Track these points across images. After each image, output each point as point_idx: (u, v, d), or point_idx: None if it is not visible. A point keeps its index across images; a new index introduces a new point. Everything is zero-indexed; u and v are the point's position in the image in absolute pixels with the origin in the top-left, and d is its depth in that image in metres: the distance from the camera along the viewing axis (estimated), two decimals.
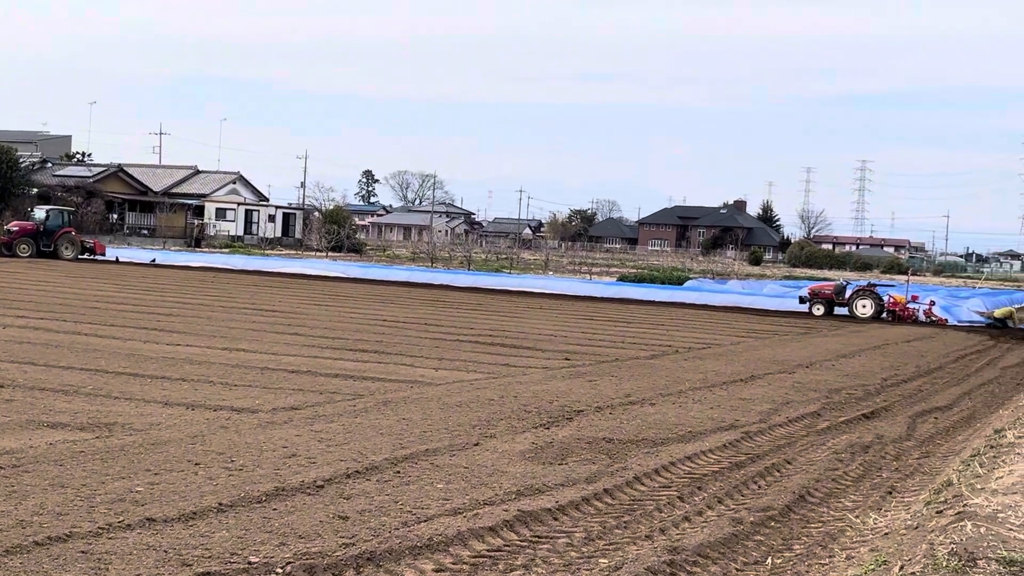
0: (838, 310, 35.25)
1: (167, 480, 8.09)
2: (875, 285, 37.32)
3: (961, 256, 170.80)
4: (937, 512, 7.60)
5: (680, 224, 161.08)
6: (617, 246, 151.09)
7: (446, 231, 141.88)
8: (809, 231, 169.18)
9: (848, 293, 35.57)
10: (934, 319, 34.35)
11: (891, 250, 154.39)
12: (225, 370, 14.20)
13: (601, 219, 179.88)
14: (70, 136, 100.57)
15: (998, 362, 22.29)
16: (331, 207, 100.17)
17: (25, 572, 6.00)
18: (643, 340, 22.46)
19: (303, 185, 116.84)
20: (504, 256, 78.45)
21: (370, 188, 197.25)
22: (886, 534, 7.63)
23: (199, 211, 78.01)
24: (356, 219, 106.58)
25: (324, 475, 8.48)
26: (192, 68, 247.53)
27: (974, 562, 6.00)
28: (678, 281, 50.34)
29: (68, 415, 10.49)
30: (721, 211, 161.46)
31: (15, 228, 46.84)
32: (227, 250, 64.26)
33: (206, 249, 65.68)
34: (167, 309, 23.65)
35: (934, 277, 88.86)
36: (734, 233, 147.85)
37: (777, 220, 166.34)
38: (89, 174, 73.81)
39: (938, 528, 6.95)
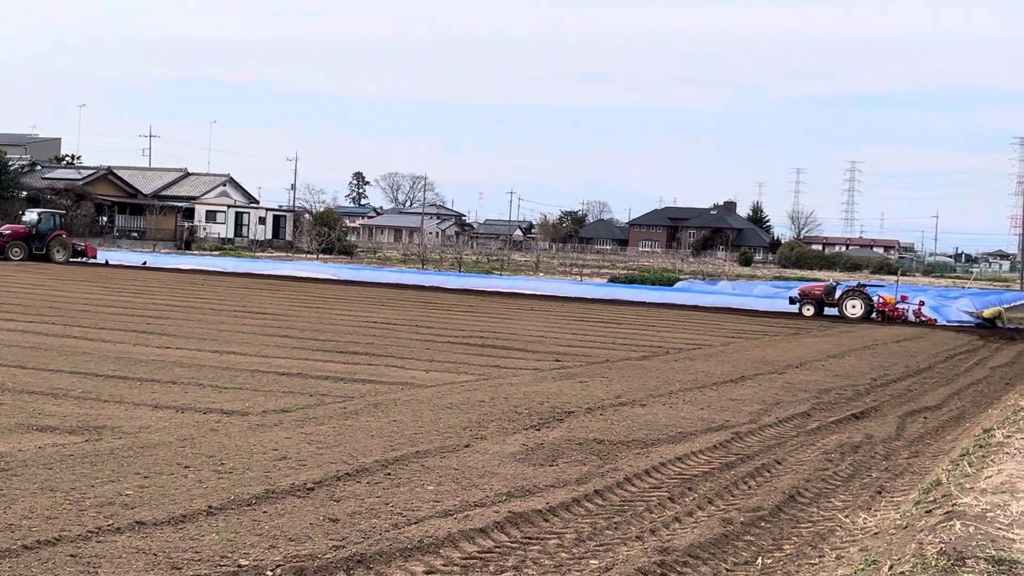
0: (828, 310, 35.31)
1: (157, 483, 8.07)
2: (865, 285, 37.39)
3: (950, 256, 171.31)
4: (926, 512, 7.62)
5: (670, 225, 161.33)
6: (608, 247, 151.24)
7: (437, 233, 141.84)
8: (799, 232, 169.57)
9: (838, 293, 35.63)
10: (923, 319, 34.43)
11: (880, 250, 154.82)
12: (215, 373, 14.18)
13: (592, 220, 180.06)
14: (59, 139, 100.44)
15: (987, 362, 22.35)
16: (322, 209, 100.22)
17: None
18: (634, 341, 22.48)
19: (293, 187, 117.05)
20: (495, 258, 78.44)
21: (361, 190, 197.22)
22: (875, 534, 7.65)
23: (189, 213, 77.88)
24: (347, 221, 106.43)
25: (314, 477, 8.47)
26: (182, 70, 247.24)
27: (963, 561, 6.02)
28: (668, 282, 50.39)
29: (57, 418, 10.46)
30: (711, 212, 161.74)
31: (7, 231, 46.73)
32: (217, 252, 64.15)
33: (196, 251, 65.57)
34: (157, 312, 23.60)
35: (923, 277, 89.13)
36: (724, 234, 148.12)
37: (767, 221, 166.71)
38: (78, 177, 73.66)
39: (927, 527, 6.97)
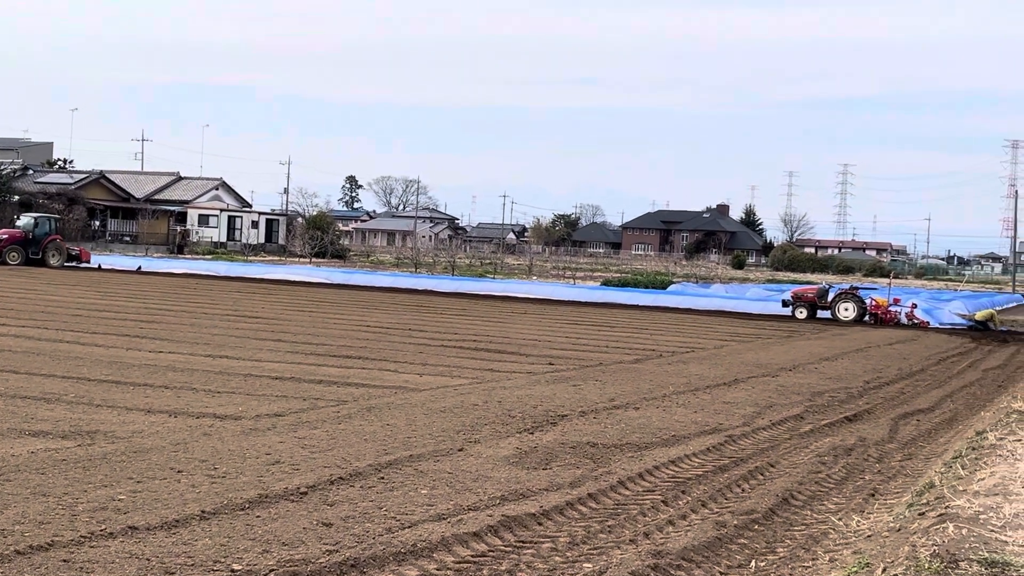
0: (821, 313, 35.34)
1: (150, 488, 8.05)
2: (857, 288, 37.48)
3: (942, 259, 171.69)
4: (919, 514, 7.63)
5: (663, 228, 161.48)
6: (601, 251, 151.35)
7: (430, 236, 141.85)
8: (792, 235, 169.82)
9: (831, 296, 35.67)
10: (916, 322, 34.49)
11: (873, 253, 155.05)
12: (208, 377, 14.16)
13: (585, 224, 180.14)
14: (51, 143, 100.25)
15: (980, 364, 22.40)
16: (314, 213, 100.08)
17: None
18: (627, 344, 22.49)
19: (286, 191, 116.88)
20: (488, 261, 78.44)
21: (354, 194, 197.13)
22: (869, 536, 7.66)
23: (182, 217, 77.80)
24: (339, 225, 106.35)
25: (308, 482, 8.46)
26: (174, 74, 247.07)
27: (956, 564, 6.03)
28: (662, 285, 50.43)
29: (50, 423, 10.43)
30: (704, 215, 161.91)
31: (4, 236, 46.69)
32: (210, 256, 64.06)
33: (189, 256, 65.49)
34: (150, 316, 23.56)
35: (916, 280, 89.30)
36: (717, 237, 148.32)
37: (760, 224, 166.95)
38: (71, 181, 73.56)
39: (920, 530, 6.98)
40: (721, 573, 6.88)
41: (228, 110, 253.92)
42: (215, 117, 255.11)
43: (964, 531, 6.73)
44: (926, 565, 6.02)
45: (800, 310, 35.33)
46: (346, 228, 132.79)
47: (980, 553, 6.21)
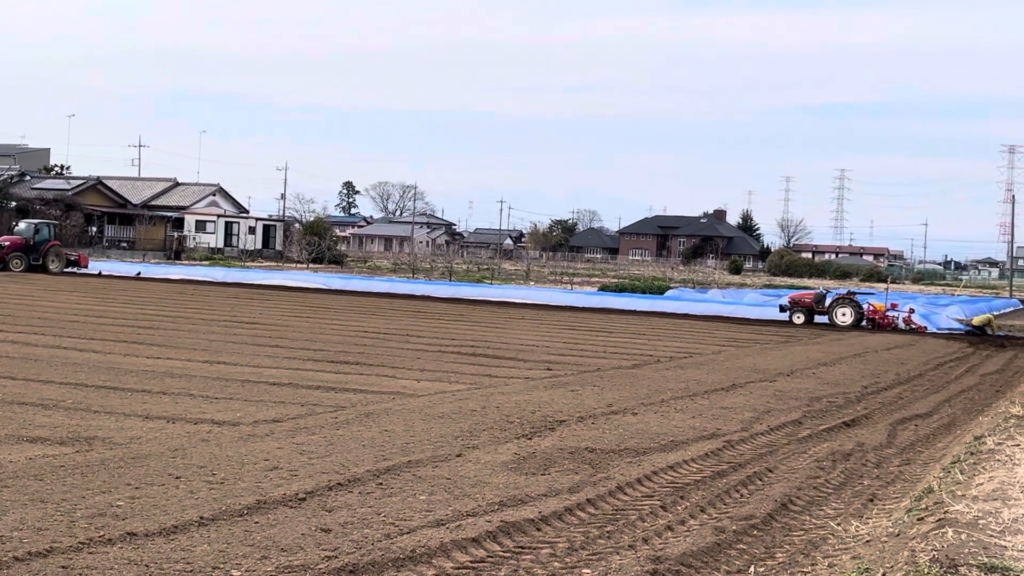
0: (818, 318, 35.35)
1: (148, 494, 8.04)
2: (855, 293, 37.47)
3: (940, 264, 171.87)
4: (918, 519, 7.63)
5: (661, 234, 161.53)
6: (598, 256, 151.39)
7: (427, 242, 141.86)
8: (789, 240, 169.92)
9: (828, 301, 35.68)
10: (913, 327, 34.52)
11: (870, 258, 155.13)
12: (206, 383, 14.15)
13: (582, 229, 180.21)
14: (48, 149, 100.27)
15: (977, 369, 22.41)
16: (312, 219, 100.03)
17: None
18: (625, 350, 22.49)
19: (283, 197, 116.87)
20: (485, 267, 78.43)
21: (351, 199, 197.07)
22: (868, 542, 7.66)
23: (179, 223, 77.78)
24: (337, 230, 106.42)
25: (306, 488, 8.45)
26: (171, 80, 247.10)
27: (955, 569, 6.03)
28: (659, 290, 50.42)
29: (48, 429, 10.42)
30: (701, 220, 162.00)
31: (6, 243, 46.74)
32: (207, 262, 64.03)
33: (186, 261, 65.46)
34: (147, 322, 23.54)
35: (913, 285, 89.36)
36: (714, 242, 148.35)
37: (757, 229, 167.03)
38: (68, 187, 73.54)
39: (919, 535, 6.98)
40: None
41: (225, 116, 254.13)
42: (212, 123, 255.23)
43: (963, 536, 6.73)
44: (925, 570, 6.02)
45: (797, 315, 35.33)
46: (343, 234, 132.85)
47: (979, 558, 6.21)
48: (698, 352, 22.87)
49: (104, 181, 78.19)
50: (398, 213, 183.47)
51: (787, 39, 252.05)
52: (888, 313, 34.89)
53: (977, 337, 32.84)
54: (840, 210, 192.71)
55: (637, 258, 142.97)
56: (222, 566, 6.49)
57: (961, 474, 9.25)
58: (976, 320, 35.17)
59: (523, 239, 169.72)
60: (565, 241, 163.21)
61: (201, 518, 7.43)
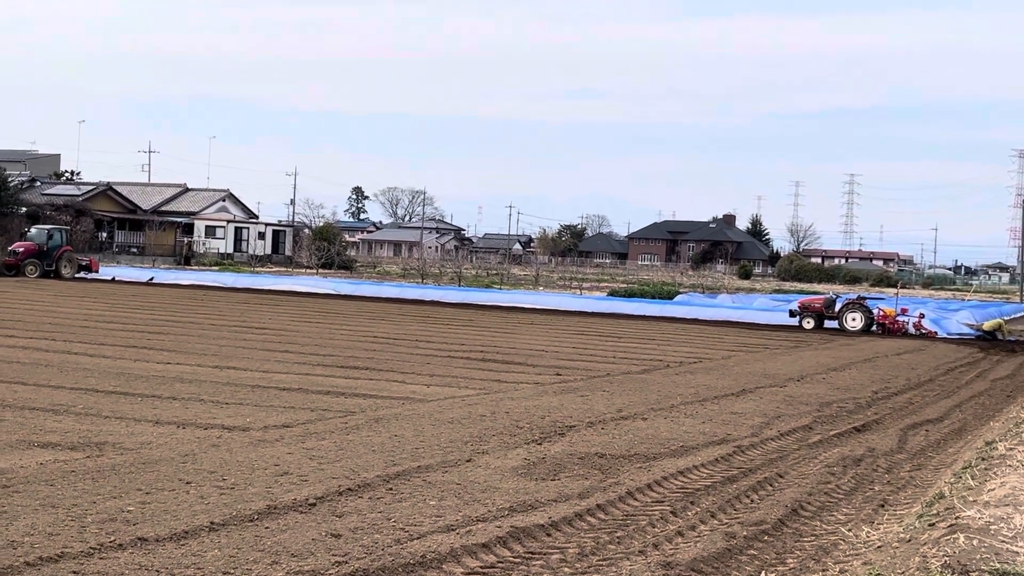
0: (828, 323, 35.29)
1: (158, 499, 8.06)
2: (865, 298, 37.39)
3: (950, 268, 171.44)
4: (930, 525, 7.61)
5: (670, 239, 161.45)
6: (607, 261, 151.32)
7: (436, 247, 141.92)
8: (798, 245, 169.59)
9: (838, 306, 35.62)
10: (924, 332, 34.42)
11: (880, 263, 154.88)
12: (216, 388, 14.17)
13: (591, 234, 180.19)
14: (59, 155, 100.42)
15: (988, 374, 22.34)
16: (321, 224, 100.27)
17: None
18: (634, 355, 22.47)
19: (293, 202, 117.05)
20: (494, 272, 78.45)
21: (360, 205, 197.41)
22: (879, 547, 7.63)
23: (188, 229, 77.93)
24: (346, 236, 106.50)
25: (316, 493, 8.46)
26: (181, 86, 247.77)
27: (967, 575, 6.01)
28: (668, 296, 50.37)
29: (58, 434, 10.45)
30: (711, 225, 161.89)
31: (20, 249, 46.90)
32: (217, 268, 64.14)
33: (196, 267, 65.58)
34: (157, 327, 23.59)
35: (923, 290, 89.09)
36: (723, 247, 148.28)
37: (766, 234, 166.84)
38: (78, 192, 73.74)
39: (931, 541, 6.96)
40: None
41: (235, 121, 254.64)
42: (222, 129, 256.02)
43: (975, 542, 6.71)
44: None
45: (807, 320, 35.27)
46: (352, 239, 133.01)
47: (991, 564, 6.19)
48: (708, 357, 22.84)
49: (114, 187, 78.39)
50: (407, 218, 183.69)
51: (797, 43, 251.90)
52: (898, 318, 34.80)
53: (988, 342, 32.73)
54: (850, 215, 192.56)
55: (646, 263, 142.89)
56: (232, 571, 6.50)
57: (972, 480, 9.22)
58: (987, 325, 35.05)
59: (532, 244, 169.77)
60: (574, 246, 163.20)
61: (212, 523, 7.44)
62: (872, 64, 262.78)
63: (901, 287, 55.52)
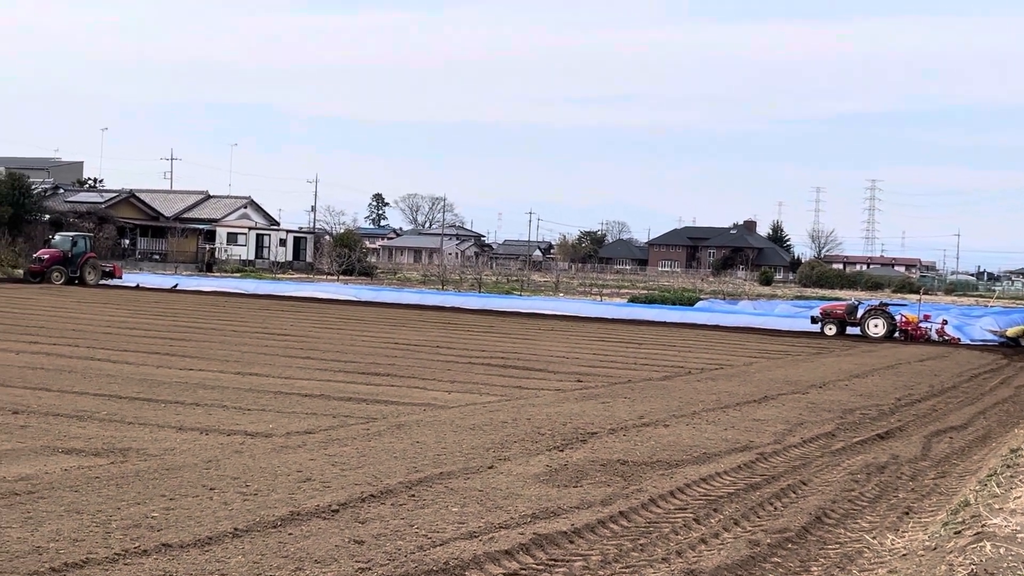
0: (850, 330, 35.15)
1: (182, 505, 8.09)
2: (887, 304, 37.22)
3: (972, 275, 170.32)
4: (955, 533, 7.56)
5: (690, 245, 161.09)
6: (627, 267, 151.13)
7: (456, 253, 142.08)
8: (820, 251, 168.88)
9: (860, 313, 35.47)
10: (946, 338, 34.23)
11: (902, 269, 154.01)
12: (238, 394, 14.22)
13: (611, 240, 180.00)
14: (82, 162, 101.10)
15: (1012, 381, 22.19)
16: (342, 231, 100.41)
17: None
18: (655, 361, 22.42)
19: (314, 209, 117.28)
20: (514, 278, 78.48)
21: (380, 211, 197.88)
22: (904, 555, 7.59)
23: (210, 236, 78.25)
24: (367, 242, 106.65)
25: (339, 499, 8.47)
26: (203, 94, 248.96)
27: None
28: (689, 302, 50.25)
29: (83, 440, 10.50)
30: (731, 232, 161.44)
31: (46, 256, 47.23)
32: (238, 274, 64.38)
33: (217, 274, 65.84)
34: (180, 334, 23.69)
35: (946, 296, 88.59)
36: (744, 253, 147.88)
37: (787, 240, 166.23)
38: (101, 200, 74.12)
39: (957, 549, 6.92)
40: None
41: (256, 129, 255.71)
42: (243, 136, 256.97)
43: (1002, 550, 6.66)
44: None
45: (829, 327, 35.14)
46: (373, 246, 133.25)
47: (1018, 572, 6.14)
48: (729, 364, 22.78)
49: (137, 194, 78.78)
50: (427, 225, 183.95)
51: (817, 49, 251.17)
52: (921, 324, 34.63)
53: (1011, 348, 32.53)
54: (871, 221, 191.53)
55: (667, 269, 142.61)
56: None
57: (998, 487, 9.15)
58: (1010, 331, 34.82)
59: (552, 250, 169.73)
60: (594, 252, 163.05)
61: (235, 529, 7.46)
62: (893, 70, 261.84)
63: (923, 293, 55.19)
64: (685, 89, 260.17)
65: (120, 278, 48.92)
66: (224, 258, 75.44)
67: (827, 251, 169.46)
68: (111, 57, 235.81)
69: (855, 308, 36.11)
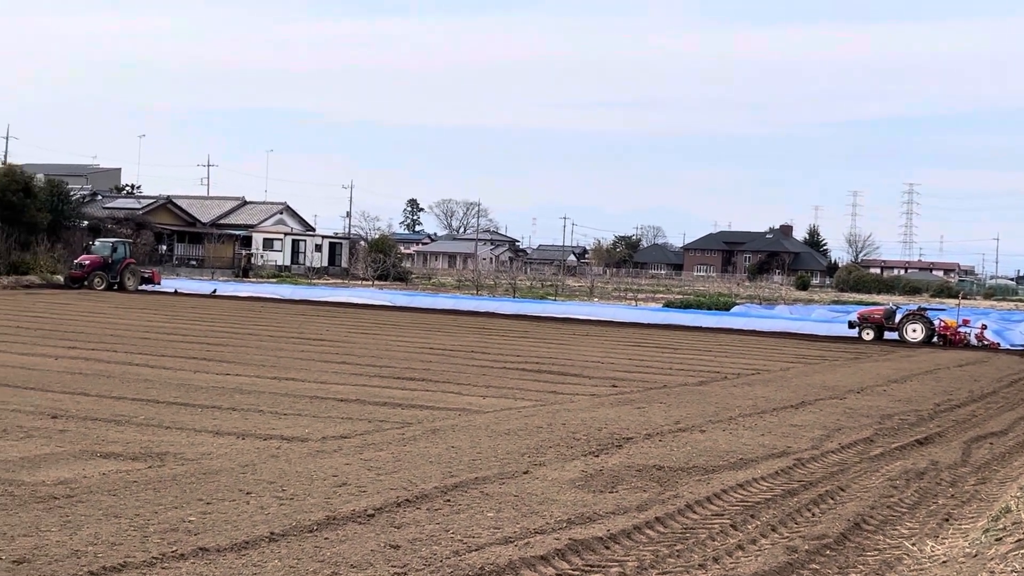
0: (888, 335, 34.86)
1: (219, 509, 8.12)
2: (925, 309, 36.90)
3: (1012, 279, 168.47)
4: (996, 540, 7.46)
5: (726, 249, 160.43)
6: (662, 272, 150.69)
7: (491, 259, 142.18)
8: (856, 255, 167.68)
9: (898, 317, 35.18)
10: (986, 343, 33.87)
11: (940, 273, 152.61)
12: (275, 399, 14.28)
13: (646, 245, 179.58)
14: (120, 169, 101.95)
15: None
16: (377, 236, 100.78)
17: None
18: (691, 366, 22.32)
19: (349, 214, 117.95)
20: (549, 283, 78.40)
21: (415, 217, 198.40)
22: (944, 562, 7.50)
23: (247, 241, 78.73)
24: (401, 248, 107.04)
25: (375, 504, 8.48)
26: (239, 100, 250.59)
27: None
28: (725, 307, 50.02)
29: (121, 445, 10.58)
30: (767, 236, 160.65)
31: (87, 262, 47.72)
32: (274, 280, 64.75)
33: (254, 279, 66.22)
34: (216, 339, 23.84)
35: (985, 300, 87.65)
36: (780, 258, 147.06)
37: (824, 244, 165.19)
38: (138, 206, 74.78)
39: (998, 556, 6.83)
40: None
41: (292, 135, 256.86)
42: (279, 142, 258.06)
43: None
44: None
45: (867, 331, 34.87)
46: (408, 251, 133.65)
47: None
48: (766, 369, 22.64)
49: (174, 200, 79.42)
50: (462, 230, 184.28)
51: (854, 52, 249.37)
52: (960, 329, 34.28)
53: None
54: (909, 224, 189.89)
55: (702, 274, 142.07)
56: None
57: None
58: None
59: (586, 255, 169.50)
60: (629, 257, 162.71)
61: (272, 534, 7.49)
62: (930, 73, 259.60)
63: (962, 298, 54.56)
64: (719, 94, 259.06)
65: (159, 284, 49.36)
66: (260, 263, 75.88)
67: (864, 255, 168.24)
68: (149, 65, 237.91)
69: (893, 313, 35.81)
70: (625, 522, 8.26)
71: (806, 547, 7.79)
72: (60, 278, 49.46)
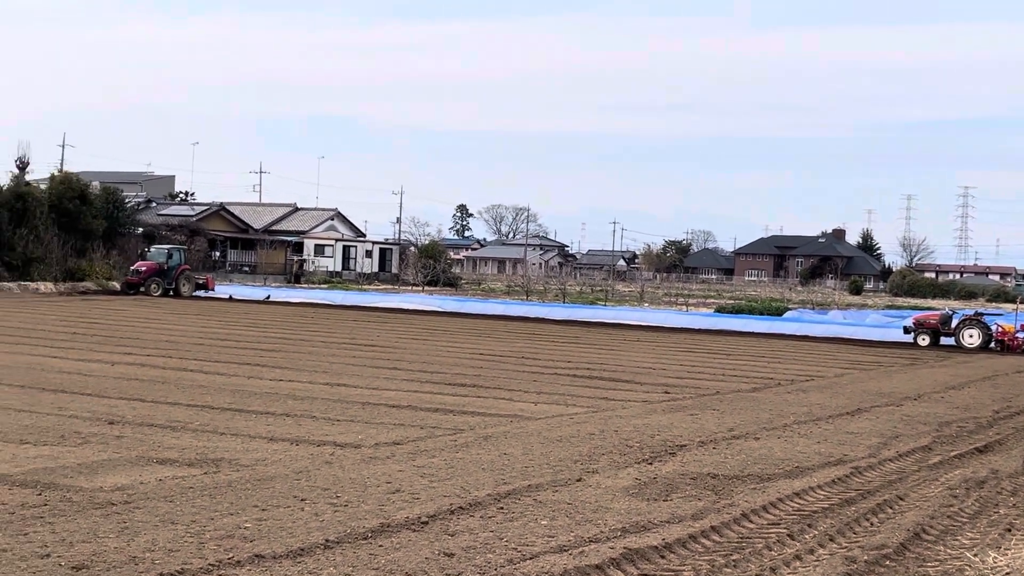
0: (944, 340, 34.37)
1: (274, 516, 8.16)
2: (982, 314, 36.33)
3: None
4: None
5: (777, 254, 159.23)
6: (713, 277, 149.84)
7: (540, 264, 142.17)
8: (911, 259, 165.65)
9: (954, 323, 34.67)
10: None
11: (996, 278, 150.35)
12: (327, 405, 14.34)
13: (696, 250, 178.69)
14: (173, 176, 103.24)
15: None
16: (426, 242, 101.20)
17: None
18: (744, 372, 22.14)
19: (399, 220, 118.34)
20: (599, 288, 78.23)
21: (464, 222, 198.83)
22: (1007, 574, 7.36)
23: (298, 248, 79.31)
24: (451, 253, 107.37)
25: (428, 511, 8.47)
26: (291, 108, 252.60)
27: None
28: (777, 312, 49.59)
29: (176, 451, 10.66)
30: (819, 240, 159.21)
31: (143, 268, 48.36)
32: (326, 286, 65.18)
33: (305, 285, 66.70)
34: (269, 345, 24.01)
35: None
36: (833, 262, 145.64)
37: (877, 249, 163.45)
38: (192, 213, 75.60)
39: None
40: None
41: (343, 141, 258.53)
42: (330, 148, 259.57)
43: None
44: None
45: (922, 337, 34.41)
46: (457, 256, 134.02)
47: None
48: (820, 375, 22.40)
49: (227, 207, 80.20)
50: (511, 235, 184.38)
51: (907, 54, 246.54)
52: (1018, 334, 33.69)
53: None
54: (964, 228, 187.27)
55: (753, 279, 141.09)
56: None
57: None
58: None
59: (636, 260, 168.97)
60: (679, 262, 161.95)
61: (327, 541, 7.50)
62: (985, 74, 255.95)
63: (1020, 302, 53.68)
64: (769, 96, 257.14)
65: (213, 290, 49.87)
66: (311, 269, 76.39)
67: (919, 260, 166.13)
68: (202, 73, 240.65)
69: (949, 318, 35.30)
70: (680, 531, 8.19)
71: (865, 557, 7.67)
72: (116, 284, 50.11)
